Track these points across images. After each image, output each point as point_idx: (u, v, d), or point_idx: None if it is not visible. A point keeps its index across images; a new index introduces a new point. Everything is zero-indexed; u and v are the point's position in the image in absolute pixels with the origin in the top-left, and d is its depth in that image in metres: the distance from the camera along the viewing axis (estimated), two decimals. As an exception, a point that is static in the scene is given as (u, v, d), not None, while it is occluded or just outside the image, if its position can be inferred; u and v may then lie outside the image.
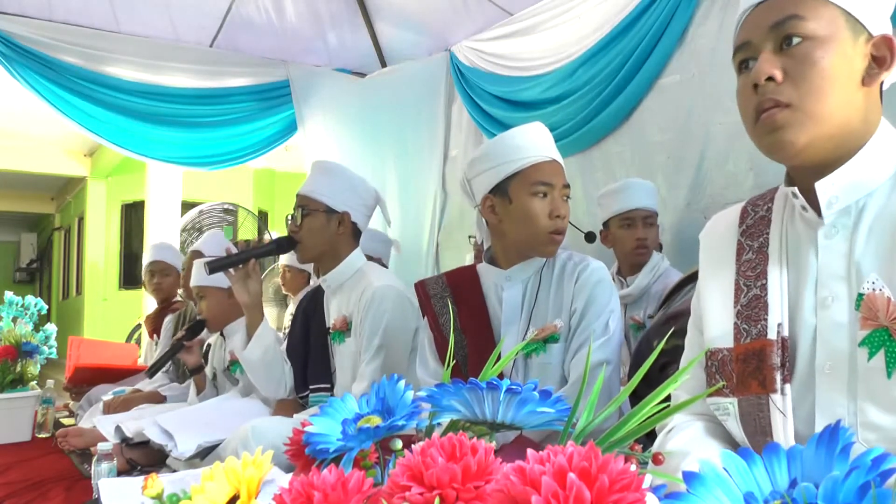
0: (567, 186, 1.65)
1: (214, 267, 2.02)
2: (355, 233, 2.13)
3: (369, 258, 3.26)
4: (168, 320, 3.34)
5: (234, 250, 2.84)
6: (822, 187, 0.89)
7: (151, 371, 2.72)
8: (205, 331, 2.67)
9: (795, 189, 0.93)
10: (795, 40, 0.87)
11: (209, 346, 2.75)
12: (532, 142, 1.63)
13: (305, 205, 2.06)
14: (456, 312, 1.71)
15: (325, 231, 2.06)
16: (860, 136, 0.89)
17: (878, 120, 0.91)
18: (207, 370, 2.70)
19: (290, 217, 2.10)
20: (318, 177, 2.12)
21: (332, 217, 2.06)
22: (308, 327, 2.23)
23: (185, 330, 2.67)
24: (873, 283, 0.85)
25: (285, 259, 4.16)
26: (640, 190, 2.54)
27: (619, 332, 1.59)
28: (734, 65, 0.95)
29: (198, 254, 2.94)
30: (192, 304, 3.19)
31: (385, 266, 3.44)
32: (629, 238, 2.49)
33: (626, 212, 2.50)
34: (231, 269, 2.06)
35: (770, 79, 0.88)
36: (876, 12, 0.89)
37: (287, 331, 3.70)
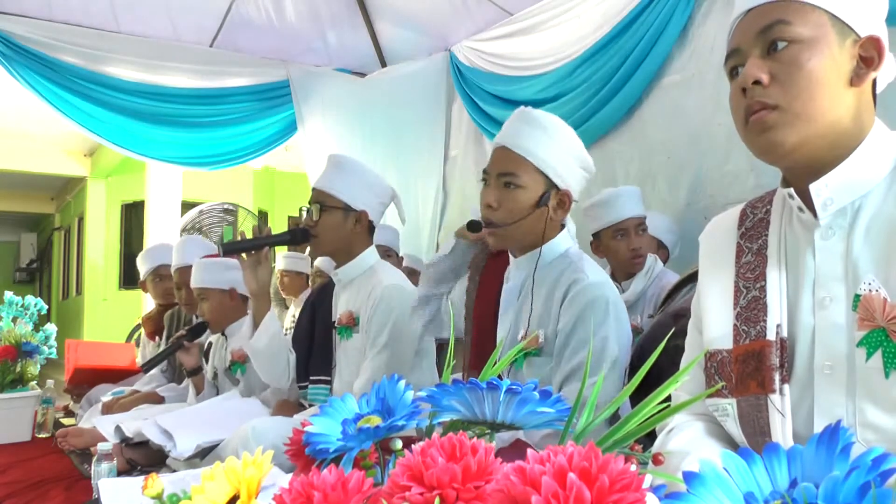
0: (504, 174, 1.52)
1: (228, 249, 2.03)
2: (370, 230, 2.13)
3: (398, 255, 3.29)
4: (165, 318, 3.34)
5: (216, 249, 2.84)
6: (817, 189, 0.90)
7: (147, 366, 2.72)
8: (206, 332, 2.67)
9: (791, 190, 0.93)
10: (782, 44, 0.89)
11: (210, 344, 2.75)
12: (500, 131, 1.59)
13: (323, 200, 2.05)
14: (475, 290, 1.71)
15: (342, 228, 2.05)
16: (853, 136, 0.90)
17: (871, 121, 0.92)
18: (208, 369, 2.70)
19: (305, 210, 2.08)
20: (336, 172, 2.10)
21: (349, 215, 2.06)
22: (314, 319, 2.23)
23: (186, 330, 2.66)
24: (870, 283, 0.85)
25: (281, 264, 4.18)
26: (629, 199, 2.51)
27: (617, 365, 1.44)
28: (725, 71, 0.97)
29: (185, 270, 2.91)
30: (185, 310, 3.17)
31: (397, 254, 3.45)
32: (624, 249, 2.47)
33: (618, 222, 2.47)
34: (244, 254, 2.05)
35: (757, 82, 0.89)
36: (863, 14, 0.90)
37: (288, 333, 3.72)
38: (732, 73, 0.95)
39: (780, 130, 0.88)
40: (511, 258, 1.64)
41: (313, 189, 2.09)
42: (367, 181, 2.11)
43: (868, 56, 0.89)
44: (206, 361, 2.72)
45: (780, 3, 0.89)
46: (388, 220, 3.56)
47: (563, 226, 1.61)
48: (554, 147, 1.52)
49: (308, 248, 2.64)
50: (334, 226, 2.04)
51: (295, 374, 2.21)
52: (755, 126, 0.90)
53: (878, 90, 0.94)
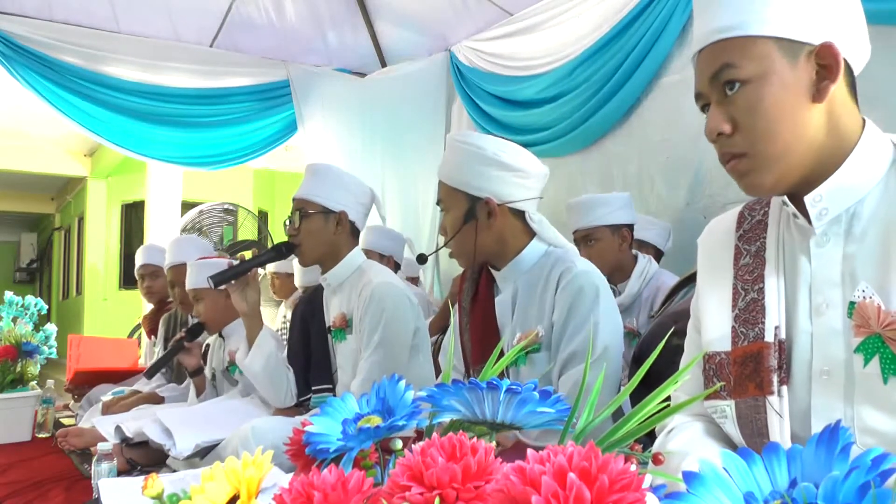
0: (438, 202, 1.68)
1: (218, 281, 2.04)
2: (353, 232, 2.13)
3: (381, 256, 3.29)
4: (162, 320, 3.34)
5: (210, 248, 2.86)
6: (812, 200, 0.89)
7: (150, 372, 2.72)
8: (204, 332, 2.67)
9: (786, 198, 0.93)
10: (736, 86, 0.88)
11: (208, 346, 2.75)
12: None
13: (302, 207, 2.06)
14: (469, 311, 1.73)
15: (323, 232, 2.06)
16: (836, 147, 0.88)
17: (854, 123, 0.89)
18: (206, 371, 2.70)
19: (287, 222, 2.10)
20: (311, 179, 2.11)
21: (329, 217, 2.06)
22: (307, 330, 2.23)
23: (185, 331, 2.66)
24: (863, 290, 0.85)
25: (271, 266, 4.17)
26: (574, 212, 2.57)
27: (611, 347, 1.50)
28: (698, 107, 0.97)
29: (181, 266, 2.92)
30: (180, 309, 3.18)
31: (398, 264, 3.45)
32: None
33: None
34: (232, 280, 2.07)
35: (721, 133, 0.90)
36: (811, 22, 0.86)
37: (282, 332, 3.71)
38: (703, 109, 0.96)
39: (754, 175, 0.89)
40: (494, 273, 1.68)
41: (293, 199, 2.10)
42: (343, 182, 2.12)
43: (826, 64, 0.86)
44: (205, 363, 2.72)
45: (723, 43, 0.88)
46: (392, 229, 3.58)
47: (534, 233, 1.64)
48: (461, 163, 1.61)
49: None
50: (316, 230, 2.05)
51: (297, 389, 2.20)
52: (732, 173, 0.92)
53: (856, 74, 0.91)
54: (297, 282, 3.66)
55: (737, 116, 0.89)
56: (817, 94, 0.87)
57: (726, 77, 0.88)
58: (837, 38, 0.86)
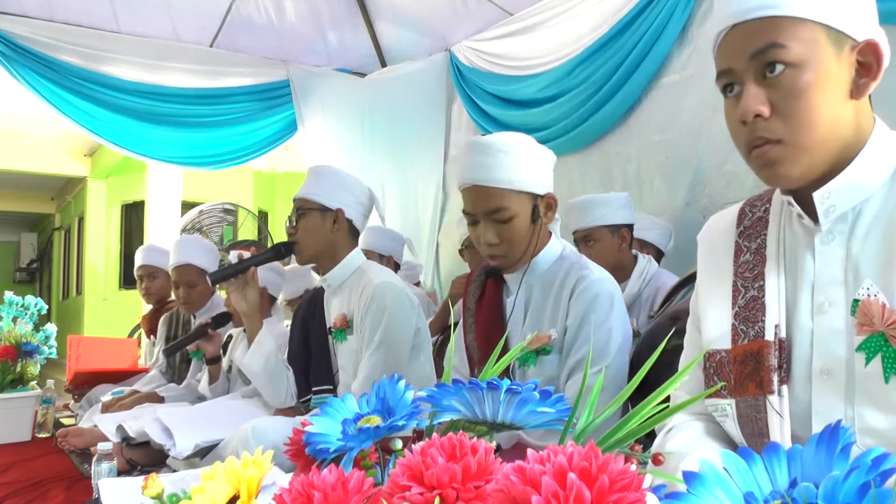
0: (492, 212, 1.54)
1: (217, 278, 2.06)
2: (352, 232, 2.13)
3: (381, 256, 3.30)
4: (162, 320, 3.34)
5: (214, 249, 2.88)
6: (820, 197, 0.88)
7: (169, 350, 2.75)
8: (230, 322, 2.70)
9: (791, 198, 0.93)
10: (779, 68, 0.84)
11: (230, 336, 2.77)
12: (458, 169, 1.61)
13: (301, 206, 2.08)
14: (474, 312, 1.72)
15: (320, 230, 2.06)
16: (854, 146, 0.88)
17: (869, 123, 0.89)
18: (224, 362, 2.72)
19: (287, 221, 2.11)
20: (311, 179, 2.14)
21: (326, 215, 2.07)
22: (307, 331, 2.24)
23: (211, 318, 2.69)
24: (868, 288, 0.84)
25: None
26: (574, 212, 2.58)
27: (621, 354, 1.51)
28: (718, 87, 0.92)
29: (185, 267, 2.93)
30: (182, 309, 3.18)
31: (398, 264, 3.45)
32: None
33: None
34: (231, 279, 2.08)
35: (758, 115, 0.86)
36: (858, 17, 0.85)
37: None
38: (726, 89, 0.91)
39: (784, 164, 0.86)
40: (506, 275, 1.67)
41: (293, 200, 2.12)
42: (341, 182, 2.13)
43: (866, 62, 0.86)
44: (224, 353, 2.74)
45: (770, 21, 0.84)
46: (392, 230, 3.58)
47: (550, 232, 1.66)
48: (520, 162, 1.55)
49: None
50: (313, 228, 2.06)
51: (296, 389, 2.21)
52: (759, 160, 0.88)
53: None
54: (282, 293, 3.65)
55: (777, 100, 0.85)
56: (856, 90, 0.86)
57: (771, 57, 0.84)
58: (877, 37, 0.86)
